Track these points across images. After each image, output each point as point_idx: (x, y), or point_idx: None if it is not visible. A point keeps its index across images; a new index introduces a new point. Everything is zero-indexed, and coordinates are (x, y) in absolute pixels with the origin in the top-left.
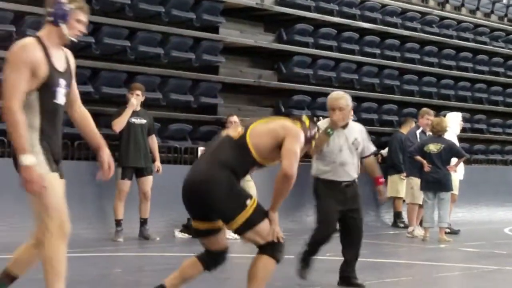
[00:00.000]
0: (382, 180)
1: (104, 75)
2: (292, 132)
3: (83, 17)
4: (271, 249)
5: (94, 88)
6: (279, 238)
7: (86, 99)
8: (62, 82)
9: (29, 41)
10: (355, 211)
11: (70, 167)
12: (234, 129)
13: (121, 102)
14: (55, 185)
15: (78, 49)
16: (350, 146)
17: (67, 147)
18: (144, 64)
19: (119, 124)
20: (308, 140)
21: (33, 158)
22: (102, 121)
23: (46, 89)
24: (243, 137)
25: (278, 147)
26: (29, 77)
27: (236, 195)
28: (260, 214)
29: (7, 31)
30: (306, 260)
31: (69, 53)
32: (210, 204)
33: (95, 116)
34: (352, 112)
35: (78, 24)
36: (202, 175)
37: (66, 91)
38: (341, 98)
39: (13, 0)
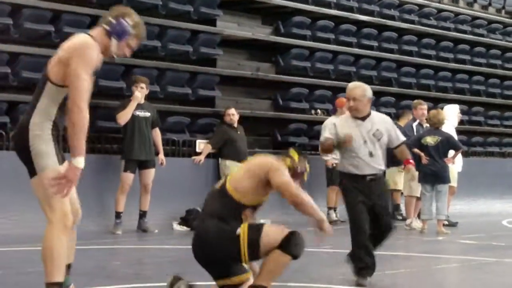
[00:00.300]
0: (411, 161)
1: (103, 68)
2: (272, 166)
3: (135, 44)
4: (284, 245)
5: (92, 80)
6: (294, 234)
7: None
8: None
9: (94, 43)
10: (381, 207)
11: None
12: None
13: (119, 95)
14: None
15: None
16: (371, 137)
17: (66, 140)
18: (142, 57)
19: (124, 117)
20: (298, 175)
21: (83, 162)
22: (101, 113)
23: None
24: (223, 184)
25: (263, 185)
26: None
27: (226, 236)
28: (255, 230)
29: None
30: (361, 260)
31: None
32: (214, 257)
33: (94, 108)
34: (369, 104)
35: (127, 48)
36: (200, 230)
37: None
38: (356, 87)
39: None
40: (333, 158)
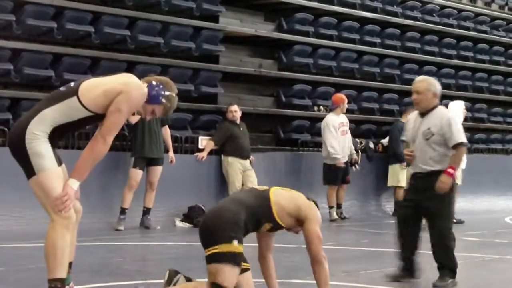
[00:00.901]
0: (448, 171)
1: (104, 64)
2: (314, 214)
3: (160, 113)
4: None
5: (95, 77)
6: None
7: None
8: None
9: (144, 89)
10: (426, 208)
11: (72, 157)
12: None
13: None
14: (61, 178)
15: (78, 38)
16: (421, 136)
17: (68, 137)
18: (144, 53)
19: (135, 116)
20: None
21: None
22: None
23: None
24: (266, 191)
25: (296, 219)
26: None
27: (231, 227)
28: (230, 260)
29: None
30: (404, 259)
31: None
32: (208, 226)
33: None
34: (434, 99)
35: (150, 113)
36: (219, 206)
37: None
38: (421, 81)
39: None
40: (343, 158)
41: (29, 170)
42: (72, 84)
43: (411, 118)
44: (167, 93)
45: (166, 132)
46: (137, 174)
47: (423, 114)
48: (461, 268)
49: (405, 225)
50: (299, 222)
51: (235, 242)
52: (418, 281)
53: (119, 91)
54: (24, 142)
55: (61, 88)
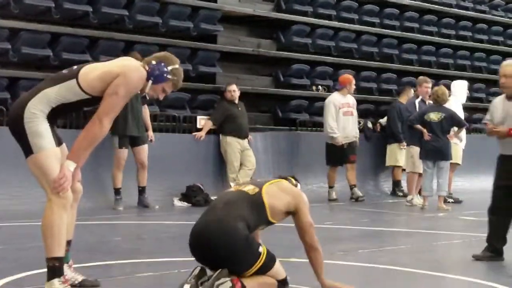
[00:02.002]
0: None
1: (102, 44)
2: (303, 202)
3: (170, 89)
4: (280, 283)
5: (92, 57)
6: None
7: None
8: None
9: (143, 72)
10: None
11: (68, 136)
12: (244, 187)
13: None
14: (59, 159)
15: (76, 18)
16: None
17: (66, 116)
18: (142, 33)
19: None
20: None
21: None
22: None
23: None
24: (259, 194)
25: (286, 212)
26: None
27: (250, 246)
28: (272, 259)
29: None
30: (490, 243)
31: None
32: (225, 256)
33: None
34: None
35: (161, 92)
36: (218, 225)
37: None
38: (508, 65)
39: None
40: (343, 137)
41: (27, 149)
42: (75, 67)
43: (497, 102)
44: (170, 68)
45: (146, 111)
46: (123, 153)
47: (509, 98)
48: (459, 248)
49: (498, 210)
50: (289, 213)
51: (260, 249)
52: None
53: (116, 74)
54: (22, 121)
55: (64, 71)
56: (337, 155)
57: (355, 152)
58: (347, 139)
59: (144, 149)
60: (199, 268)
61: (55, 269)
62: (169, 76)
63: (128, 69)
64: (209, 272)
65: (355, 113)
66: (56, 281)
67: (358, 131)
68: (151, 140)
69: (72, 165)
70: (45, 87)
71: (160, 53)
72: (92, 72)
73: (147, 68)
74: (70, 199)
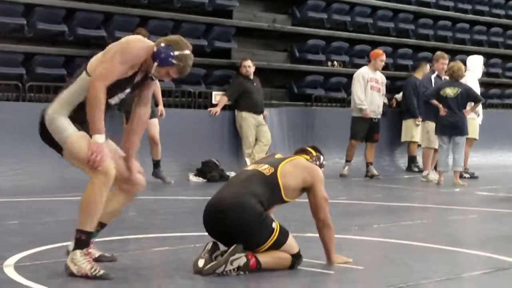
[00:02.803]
0: None
1: (117, 19)
2: (319, 177)
3: (175, 74)
4: (294, 257)
5: (107, 32)
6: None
7: (99, 43)
8: (127, 90)
9: (141, 40)
10: None
11: None
12: (260, 166)
13: None
14: (84, 137)
15: None
16: None
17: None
18: (157, 8)
19: None
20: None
21: (102, 138)
22: None
23: (111, 86)
24: (273, 175)
25: (302, 189)
26: (126, 70)
27: (264, 222)
28: (285, 234)
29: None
30: None
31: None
32: (239, 231)
33: None
34: None
35: (166, 75)
36: (233, 201)
37: (125, 96)
38: None
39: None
40: (372, 113)
41: (58, 148)
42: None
43: None
44: (176, 53)
45: (157, 86)
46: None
47: None
48: (474, 223)
49: None
50: (304, 190)
51: (274, 225)
52: None
53: (116, 48)
54: (45, 127)
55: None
56: (363, 129)
57: (379, 131)
58: (373, 113)
59: (153, 124)
60: (211, 242)
61: (80, 242)
62: (174, 61)
63: (127, 39)
64: (222, 246)
65: (383, 90)
66: (78, 252)
67: (381, 109)
68: (161, 115)
69: (98, 137)
70: (62, 91)
71: (172, 36)
72: (97, 58)
73: (155, 50)
74: (110, 176)
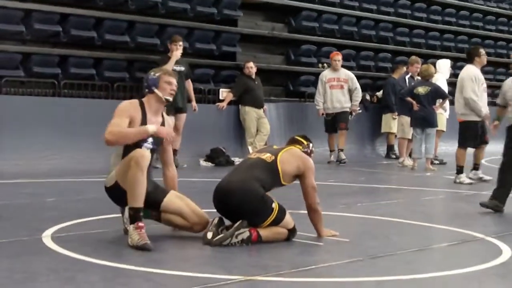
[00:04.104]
0: None
1: (139, 26)
2: (310, 167)
3: (170, 78)
4: (289, 231)
5: (131, 38)
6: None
7: (124, 47)
8: (150, 140)
9: (133, 101)
10: None
11: (112, 106)
12: (263, 154)
13: (155, 50)
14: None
15: (116, 4)
16: None
17: (107, 89)
18: (173, 17)
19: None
20: (308, 155)
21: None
22: (138, 66)
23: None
24: (274, 162)
25: (295, 176)
26: (127, 123)
27: (265, 203)
28: (283, 212)
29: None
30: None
31: (169, 120)
32: (244, 210)
33: (131, 62)
34: None
35: (168, 85)
36: (239, 185)
37: (153, 148)
38: None
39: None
40: (324, 108)
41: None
42: None
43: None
44: (152, 76)
45: (189, 85)
46: (171, 120)
47: None
48: (443, 202)
49: (507, 168)
50: (297, 176)
51: (273, 205)
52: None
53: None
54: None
55: None
56: (330, 123)
57: (345, 120)
58: (335, 109)
59: (182, 117)
60: (218, 218)
61: (131, 216)
62: (157, 74)
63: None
64: (226, 221)
65: (349, 85)
66: (131, 226)
67: (350, 103)
68: (194, 110)
69: (149, 128)
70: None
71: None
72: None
73: (146, 91)
74: (141, 160)
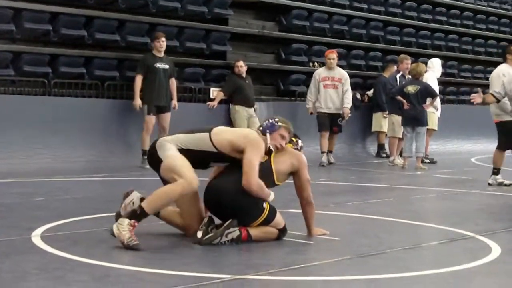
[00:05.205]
0: None
1: (130, 25)
2: (304, 163)
3: (287, 135)
4: (280, 231)
5: (121, 37)
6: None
7: (114, 46)
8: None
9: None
10: None
11: (102, 105)
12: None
13: (144, 49)
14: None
15: (107, 3)
16: None
17: (98, 88)
18: (164, 16)
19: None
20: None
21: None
22: (128, 65)
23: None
24: (267, 161)
25: (289, 173)
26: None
27: (256, 203)
28: (273, 212)
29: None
30: None
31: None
32: (235, 210)
33: (122, 61)
34: None
35: (281, 139)
36: (231, 184)
37: None
38: None
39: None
40: (316, 107)
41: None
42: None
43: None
44: (274, 122)
45: (173, 83)
46: (151, 119)
47: None
48: (433, 200)
49: None
50: (291, 174)
51: (264, 205)
52: None
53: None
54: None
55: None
56: (324, 122)
57: (338, 125)
58: (329, 109)
59: (167, 116)
60: (208, 216)
61: (135, 214)
62: (280, 124)
63: (258, 141)
64: (216, 220)
65: (344, 86)
66: (127, 220)
67: (343, 104)
68: (174, 108)
69: (271, 196)
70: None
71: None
72: (226, 138)
73: (260, 129)
74: (192, 184)
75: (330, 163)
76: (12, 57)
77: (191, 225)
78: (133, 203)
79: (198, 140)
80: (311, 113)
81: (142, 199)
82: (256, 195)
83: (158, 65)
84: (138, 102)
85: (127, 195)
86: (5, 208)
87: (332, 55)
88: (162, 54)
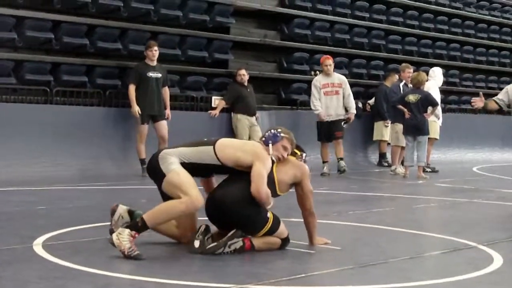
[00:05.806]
0: None
1: (131, 34)
2: (306, 174)
3: (289, 146)
4: (283, 241)
5: (123, 45)
6: (288, 238)
7: (116, 54)
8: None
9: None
10: None
11: (104, 114)
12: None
13: (145, 57)
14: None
15: (108, 12)
16: None
17: (99, 96)
18: (165, 25)
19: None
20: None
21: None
22: (125, 73)
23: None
24: (270, 172)
25: (292, 184)
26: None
27: (260, 212)
28: (277, 222)
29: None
30: None
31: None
32: (239, 221)
33: (124, 69)
34: None
35: (283, 150)
36: (234, 194)
37: None
38: None
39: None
40: (329, 116)
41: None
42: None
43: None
44: (276, 133)
45: (166, 92)
46: (144, 128)
47: None
48: (435, 210)
49: None
50: (293, 185)
51: (268, 215)
52: None
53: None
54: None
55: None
56: (324, 131)
57: (341, 129)
58: (330, 117)
59: (163, 124)
60: (204, 225)
61: (136, 225)
62: (282, 135)
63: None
64: (212, 229)
65: (344, 91)
66: (127, 230)
67: (344, 110)
68: (167, 118)
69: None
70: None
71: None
72: (230, 152)
73: (263, 139)
74: (195, 202)
75: (342, 170)
76: (14, 65)
77: (186, 235)
78: (122, 217)
79: (201, 153)
80: (322, 119)
81: (129, 211)
82: (261, 203)
83: (150, 74)
84: (136, 108)
85: (113, 211)
86: (6, 216)
87: (328, 61)
88: (154, 63)
